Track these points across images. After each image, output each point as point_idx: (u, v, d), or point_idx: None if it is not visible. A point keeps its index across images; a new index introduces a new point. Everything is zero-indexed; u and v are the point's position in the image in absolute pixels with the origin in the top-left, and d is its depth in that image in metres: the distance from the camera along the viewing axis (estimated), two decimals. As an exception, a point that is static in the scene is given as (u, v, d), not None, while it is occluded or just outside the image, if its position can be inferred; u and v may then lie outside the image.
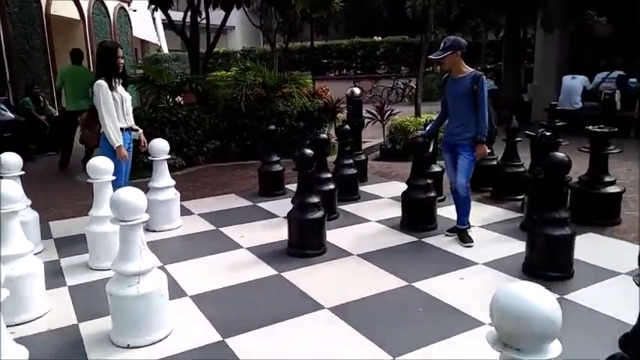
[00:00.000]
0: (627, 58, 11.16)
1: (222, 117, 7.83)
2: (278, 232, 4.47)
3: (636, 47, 11.60)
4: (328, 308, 3.14)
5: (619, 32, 12.59)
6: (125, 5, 15.51)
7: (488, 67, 16.53)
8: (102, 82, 4.19)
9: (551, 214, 3.43)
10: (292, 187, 5.93)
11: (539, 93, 11.57)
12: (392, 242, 4.27)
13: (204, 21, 8.88)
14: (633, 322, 2.05)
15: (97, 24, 13.59)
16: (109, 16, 14.27)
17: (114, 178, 3.96)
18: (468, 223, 4.22)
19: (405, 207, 4.66)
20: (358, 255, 4.01)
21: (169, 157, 4.89)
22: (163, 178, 4.75)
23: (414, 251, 4.13)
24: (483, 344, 2.62)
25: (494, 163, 5.57)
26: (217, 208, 5.48)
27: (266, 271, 3.77)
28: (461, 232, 4.18)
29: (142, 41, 20.03)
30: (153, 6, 8.80)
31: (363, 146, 7.44)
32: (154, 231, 4.62)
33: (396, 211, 4.89)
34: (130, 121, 4.46)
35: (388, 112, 8.37)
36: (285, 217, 4.35)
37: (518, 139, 5.35)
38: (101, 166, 3.84)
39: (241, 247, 4.27)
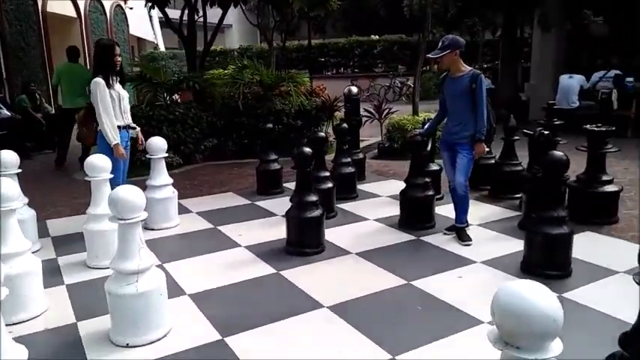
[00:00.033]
0: (623, 58, 11.21)
1: (220, 115, 7.81)
2: (276, 231, 4.46)
3: (632, 47, 11.65)
4: (327, 307, 3.14)
5: (615, 32, 12.64)
6: (122, 3, 15.46)
7: (485, 66, 16.57)
8: (99, 80, 4.17)
9: (550, 213, 3.44)
10: (290, 185, 5.93)
11: (536, 92, 11.60)
12: (390, 241, 4.28)
13: (201, 19, 8.86)
14: (631, 320, 2.06)
15: (93, 21, 13.55)
16: (105, 14, 14.22)
17: (112, 176, 3.95)
18: (467, 221, 4.23)
19: (403, 205, 4.66)
20: (357, 253, 4.01)
21: (167, 155, 4.88)
22: (161, 176, 4.74)
23: (412, 250, 4.13)
24: (482, 343, 2.64)
25: (492, 161, 5.58)
26: (215, 206, 5.46)
27: (265, 269, 3.76)
28: (459, 231, 4.18)
29: (139, 39, 19.96)
30: (150, 4, 8.76)
31: (361, 145, 7.44)
32: (152, 229, 4.61)
33: (394, 210, 4.89)
34: (128, 119, 4.44)
35: (386, 111, 8.37)
36: (283, 216, 4.35)
37: (516, 137, 5.36)
38: (99, 163, 3.82)
39: (240, 246, 4.26)
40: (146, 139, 4.70)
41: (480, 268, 3.70)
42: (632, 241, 4.10)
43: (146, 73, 7.95)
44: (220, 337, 2.82)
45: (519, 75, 13.47)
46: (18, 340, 2.45)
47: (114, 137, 4.18)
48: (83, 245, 3.93)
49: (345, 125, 5.86)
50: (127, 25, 15.85)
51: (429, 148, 4.95)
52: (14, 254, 2.94)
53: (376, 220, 4.84)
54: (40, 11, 11.15)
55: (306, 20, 12.72)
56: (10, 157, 4.10)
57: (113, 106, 4.23)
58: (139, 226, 2.74)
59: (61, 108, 7.74)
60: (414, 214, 4.57)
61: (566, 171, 3.57)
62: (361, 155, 6.58)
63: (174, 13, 9.25)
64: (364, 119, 7.56)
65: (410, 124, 7.66)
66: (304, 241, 4.04)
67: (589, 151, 4.63)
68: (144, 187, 4.13)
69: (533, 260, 3.53)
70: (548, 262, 3.46)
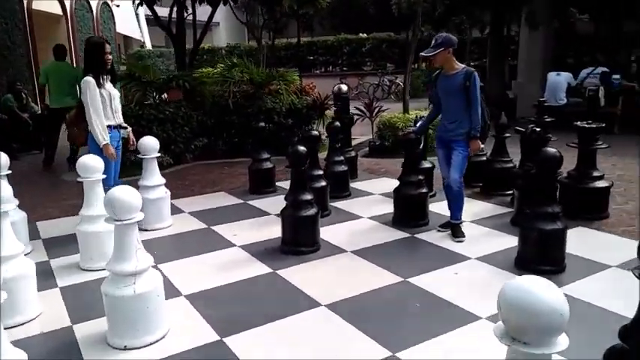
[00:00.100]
0: (609, 55, 11.37)
1: (210, 114, 7.77)
2: (270, 230, 4.45)
3: (617, 44, 11.82)
4: (325, 305, 3.14)
5: (600, 29, 12.82)
6: (108, 0, 15.27)
7: (472, 64, 16.66)
8: (89, 79, 4.11)
9: (544, 209, 3.47)
10: (282, 184, 5.92)
11: (523, 90, 11.71)
12: (385, 238, 4.29)
13: (189, 17, 8.78)
14: (627, 313, 2.09)
15: (79, 19, 13.37)
16: (92, 12, 14.04)
17: (104, 176, 3.90)
18: (461, 218, 4.25)
19: (397, 203, 4.67)
20: (352, 252, 4.01)
21: (159, 154, 4.83)
22: (154, 176, 4.69)
23: (407, 247, 4.15)
24: (481, 338, 2.68)
25: (484, 159, 5.62)
26: (208, 206, 5.43)
27: (260, 269, 3.75)
28: (454, 227, 4.20)
29: (125, 37, 19.76)
30: (138, 1, 8.67)
31: (352, 143, 7.44)
32: (146, 230, 4.56)
33: (387, 208, 4.91)
34: (119, 119, 4.39)
35: (377, 109, 8.38)
36: (277, 215, 4.33)
37: (507, 135, 5.40)
38: (91, 164, 3.77)
39: (234, 246, 4.24)
40: (136, 139, 4.65)
41: (475, 264, 3.72)
42: (623, 236, 4.17)
43: (135, 72, 7.86)
44: (219, 338, 2.80)
45: (507, 73, 13.58)
46: (14, 343, 2.41)
47: (103, 138, 4.13)
48: (75, 247, 3.88)
49: (337, 123, 5.86)
50: (114, 23, 15.67)
51: (421, 145, 4.97)
52: (8, 257, 2.89)
53: (370, 218, 4.85)
54: (25, 9, 10.97)
55: (294, 18, 12.70)
56: (2, 158, 4.02)
57: (104, 106, 4.17)
58: (135, 226, 2.71)
59: (48, 108, 7.62)
60: (408, 212, 4.59)
61: (559, 167, 3.61)
62: (353, 153, 6.59)
63: (162, 11, 9.16)
64: (355, 117, 7.57)
65: (400, 122, 7.68)
66: (300, 240, 4.03)
67: (580, 148, 4.69)
68: (136, 188, 4.08)
69: (528, 256, 3.57)
70: (542, 257, 3.49)
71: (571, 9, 12.58)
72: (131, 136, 4.57)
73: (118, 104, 4.36)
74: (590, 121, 4.71)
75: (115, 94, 4.35)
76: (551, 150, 3.54)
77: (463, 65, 4.13)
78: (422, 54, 4.20)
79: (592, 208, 4.59)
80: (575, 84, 9.84)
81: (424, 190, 4.59)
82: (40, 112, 9.08)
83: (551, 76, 9.91)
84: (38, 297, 3.18)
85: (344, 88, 7.39)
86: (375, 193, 5.71)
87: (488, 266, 3.67)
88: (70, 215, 4.98)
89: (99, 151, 4.12)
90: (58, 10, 12.66)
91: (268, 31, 12.80)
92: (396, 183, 4.74)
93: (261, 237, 4.37)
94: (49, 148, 7.81)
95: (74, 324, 2.99)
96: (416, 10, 8.37)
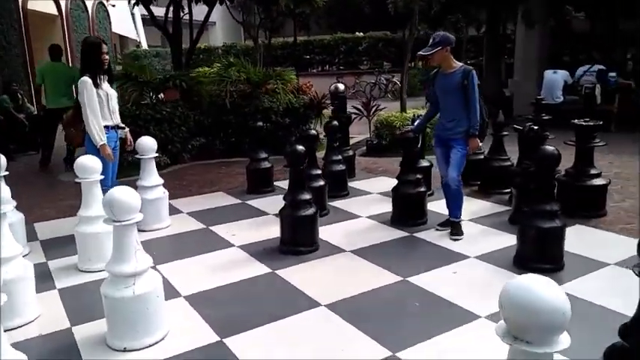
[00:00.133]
0: (604, 53, 11.40)
1: (207, 114, 7.75)
2: (269, 230, 4.44)
3: (613, 42, 11.85)
4: (325, 305, 3.14)
5: (596, 27, 12.85)
6: (104, 0, 15.22)
7: (469, 62, 16.66)
8: (86, 79, 4.10)
9: (542, 207, 3.48)
10: (281, 184, 5.91)
11: (520, 88, 11.73)
12: (384, 238, 4.29)
13: (185, 16, 8.76)
14: (626, 311, 2.10)
15: (75, 19, 13.32)
16: (87, 11, 14.00)
17: (102, 177, 3.89)
18: (461, 216, 4.25)
19: (395, 202, 4.67)
20: (351, 251, 4.01)
21: (157, 155, 4.82)
22: (152, 176, 4.68)
23: (406, 246, 4.15)
24: (481, 337, 2.68)
25: (482, 157, 5.63)
26: (206, 206, 5.42)
27: (260, 269, 3.74)
28: (454, 225, 4.20)
29: (121, 37, 19.69)
30: (134, 1, 8.64)
31: (350, 142, 7.43)
32: (144, 230, 4.54)
33: (385, 207, 4.91)
34: (117, 119, 4.37)
35: (374, 108, 8.38)
36: (276, 215, 4.32)
37: (505, 133, 5.41)
38: (89, 164, 3.76)
39: (233, 246, 4.23)
40: (133, 140, 4.63)
41: (474, 263, 3.73)
42: (621, 234, 4.18)
43: (131, 72, 7.83)
44: (219, 338, 2.79)
45: (503, 71, 13.59)
46: (13, 346, 2.39)
47: (100, 138, 4.11)
48: (73, 248, 3.86)
49: (335, 122, 5.86)
50: (110, 23, 15.62)
51: (419, 144, 4.97)
52: (7, 259, 2.88)
53: (368, 217, 4.84)
54: (20, 9, 10.92)
55: (290, 17, 12.68)
56: (-1, 160, 4.01)
57: (101, 106, 4.16)
58: (135, 227, 2.70)
59: (44, 108, 7.58)
60: (407, 211, 4.59)
61: (558, 165, 3.61)
62: (351, 152, 6.59)
63: (158, 11, 9.13)
64: (353, 116, 7.57)
65: (398, 120, 7.68)
66: (298, 240, 4.02)
67: (577, 146, 4.70)
68: (134, 188, 4.07)
69: (527, 254, 3.57)
70: (541, 255, 3.50)
71: (567, 7, 12.60)
72: (128, 136, 4.56)
73: (115, 104, 4.34)
74: (587, 119, 4.72)
75: (113, 94, 4.33)
76: (549, 148, 3.55)
77: (461, 64, 4.13)
78: (420, 53, 4.19)
79: (590, 206, 4.61)
80: (572, 82, 9.86)
81: (422, 189, 4.60)
82: (36, 112, 9.04)
83: (548, 74, 9.94)
84: (37, 299, 3.17)
85: (341, 87, 7.39)
86: (373, 193, 5.71)
87: (487, 265, 3.67)
88: (67, 216, 4.96)
89: (96, 151, 4.10)
90: (54, 10, 12.61)
91: (265, 31, 12.78)
92: (394, 182, 4.74)
93: (260, 237, 4.37)
94: (45, 148, 7.78)
95: (73, 326, 2.98)
96: (412, 9, 8.36)
